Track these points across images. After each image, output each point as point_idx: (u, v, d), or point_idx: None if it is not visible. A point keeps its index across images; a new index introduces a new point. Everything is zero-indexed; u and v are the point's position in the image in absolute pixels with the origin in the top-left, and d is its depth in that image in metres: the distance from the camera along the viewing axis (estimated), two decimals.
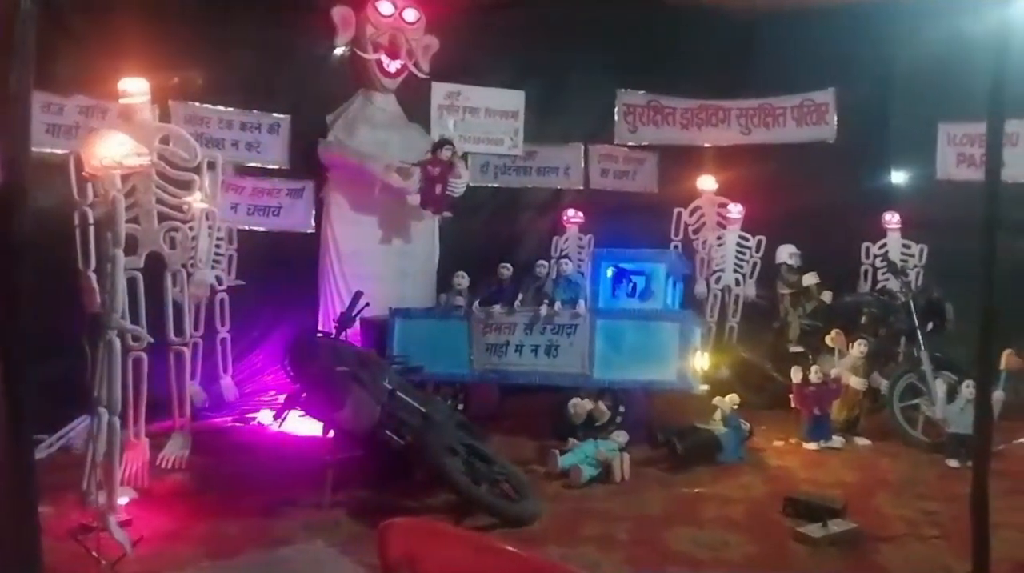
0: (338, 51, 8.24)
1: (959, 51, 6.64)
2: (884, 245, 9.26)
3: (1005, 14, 4.23)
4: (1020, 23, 4.44)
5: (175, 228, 5.73)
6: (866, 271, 9.36)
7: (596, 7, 9.20)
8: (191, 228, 5.80)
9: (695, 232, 9.72)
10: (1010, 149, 8.09)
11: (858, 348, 7.44)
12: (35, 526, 3.17)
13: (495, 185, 9.63)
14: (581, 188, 9.95)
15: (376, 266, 8.17)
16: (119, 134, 5.10)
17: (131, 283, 5.26)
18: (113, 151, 4.95)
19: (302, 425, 6.40)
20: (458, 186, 8.26)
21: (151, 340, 5.36)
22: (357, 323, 6.42)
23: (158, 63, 6.62)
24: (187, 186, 5.70)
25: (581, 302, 7.19)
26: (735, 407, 6.81)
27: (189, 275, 5.91)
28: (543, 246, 9.52)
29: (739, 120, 9.99)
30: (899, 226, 9.25)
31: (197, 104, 7.78)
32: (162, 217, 5.65)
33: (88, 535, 4.48)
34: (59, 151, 6.17)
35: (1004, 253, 4.23)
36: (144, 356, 5.38)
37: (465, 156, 8.80)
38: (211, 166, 5.80)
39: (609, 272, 7.23)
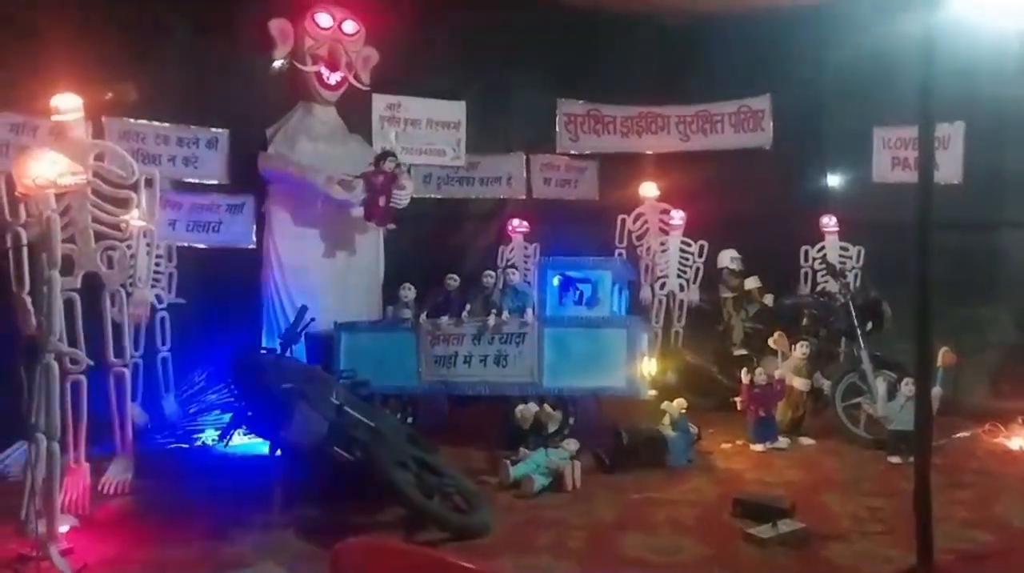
0: (277, 64, 8.14)
1: (890, 57, 6.82)
2: (822, 248, 9.47)
3: (932, 21, 4.38)
4: (946, 30, 4.60)
5: (112, 247, 5.59)
6: (806, 274, 9.57)
7: (535, 17, 9.25)
8: (129, 246, 5.67)
9: (639, 238, 9.81)
10: (941, 152, 8.35)
11: (800, 350, 7.58)
12: None
13: (438, 196, 9.61)
14: (524, 197, 9.97)
15: (321, 280, 8.06)
16: (52, 152, 4.95)
17: (68, 305, 5.14)
18: (46, 170, 4.80)
19: (248, 444, 6.29)
20: (402, 197, 8.21)
21: (90, 362, 5.23)
22: (302, 338, 6.34)
23: (91, 78, 6.46)
24: (124, 204, 5.57)
25: (529, 311, 7.21)
26: (683, 411, 6.86)
27: (128, 294, 5.78)
28: (489, 256, 9.52)
29: (678, 127, 10.10)
30: (837, 229, 9.48)
31: (132, 120, 7.65)
32: (99, 236, 5.52)
33: (28, 565, 4.35)
34: None
35: (938, 253, 4.38)
36: (83, 379, 5.24)
37: (408, 167, 8.77)
38: (148, 183, 5.69)
39: (555, 280, 7.26)
